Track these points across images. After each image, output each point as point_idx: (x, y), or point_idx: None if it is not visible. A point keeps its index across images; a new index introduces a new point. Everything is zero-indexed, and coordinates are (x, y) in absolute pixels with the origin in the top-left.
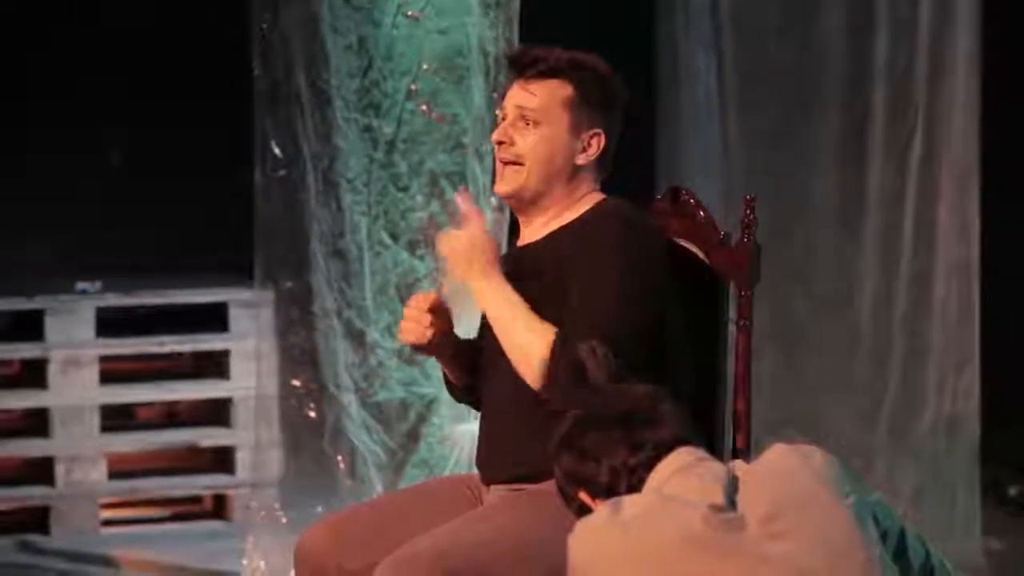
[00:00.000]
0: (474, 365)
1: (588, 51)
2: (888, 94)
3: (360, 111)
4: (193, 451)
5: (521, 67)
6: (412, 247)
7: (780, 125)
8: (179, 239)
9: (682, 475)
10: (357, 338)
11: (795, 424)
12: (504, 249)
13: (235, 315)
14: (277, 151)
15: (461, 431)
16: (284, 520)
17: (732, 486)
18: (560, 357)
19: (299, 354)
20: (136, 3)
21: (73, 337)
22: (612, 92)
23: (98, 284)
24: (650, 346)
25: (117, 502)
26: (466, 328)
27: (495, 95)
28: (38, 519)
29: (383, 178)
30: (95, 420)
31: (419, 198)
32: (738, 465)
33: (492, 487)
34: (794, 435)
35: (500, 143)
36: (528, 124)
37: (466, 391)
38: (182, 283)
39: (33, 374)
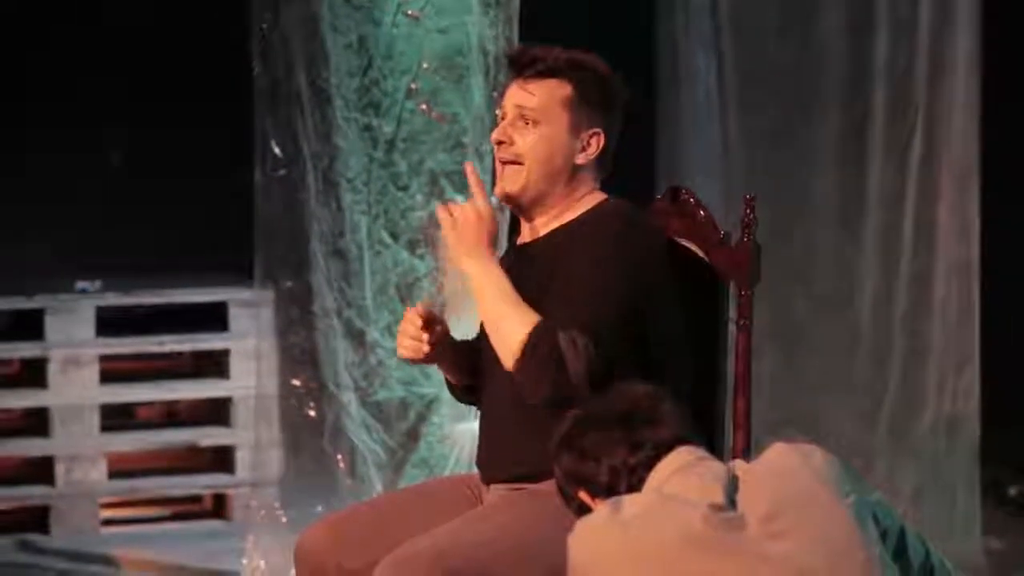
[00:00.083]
0: (474, 366)
1: (588, 51)
2: (888, 94)
3: (360, 110)
4: (193, 450)
5: (520, 66)
6: (412, 246)
7: (780, 125)
8: (179, 239)
9: (682, 474)
10: (357, 337)
11: (795, 424)
12: (504, 246)
13: (235, 314)
14: (277, 150)
15: (461, 430)
16: (284, 519)
17: (732, 485)
18: (539, 343)
19: (299, 353)
20: (136, 3)
21: (73, 336)
22: (612, 92)
23: (98, 283)
24: (632, 341)
25: (117, 501)
26: (466, 329)
27: (495, 94)
28: (38, 518)
29: (383, 177)
30: (95, 419)
31: (419, 197)
32: (738, 464)
33: (492, 486)
34: (794, 435)
35: (499, 143)
36: (527, 123)
37: (466, 392)
38: (182, 283)
39: (33, 373)
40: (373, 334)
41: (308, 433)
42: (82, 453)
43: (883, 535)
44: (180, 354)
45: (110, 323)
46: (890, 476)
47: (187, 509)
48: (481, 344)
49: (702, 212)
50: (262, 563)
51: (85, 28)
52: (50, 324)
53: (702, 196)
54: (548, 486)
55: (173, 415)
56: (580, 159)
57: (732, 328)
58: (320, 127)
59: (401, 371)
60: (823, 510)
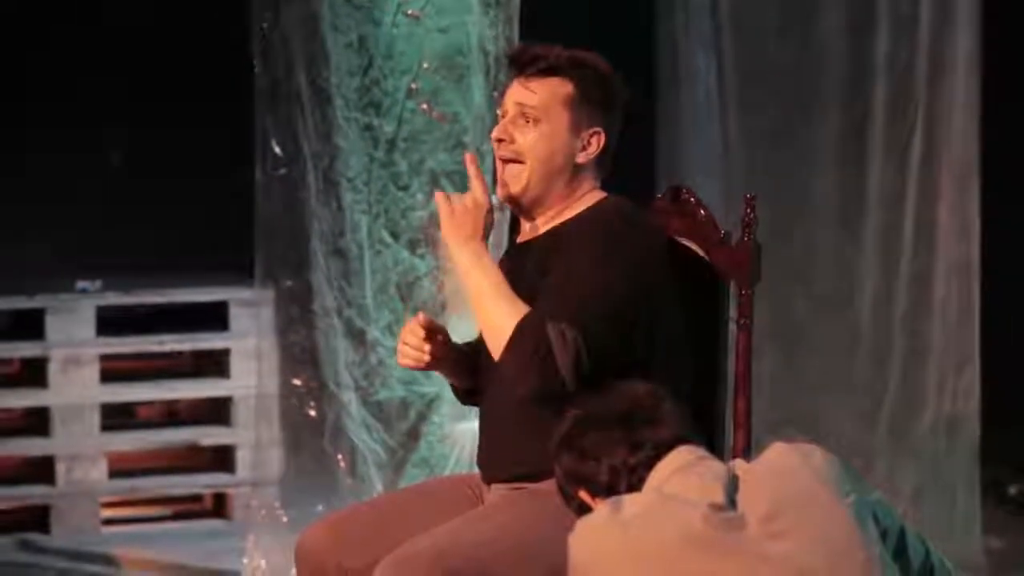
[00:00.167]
0: (476, 369)
1: (589, 50)
2: (888, 93)
3: (360, 110)
4: (193, 450)
5: (521, 65)
6: (412, 246)
7: (780, 125)
8: (179, 239)
9: (682, 474)
10: (357, 337)
11: (795, 424)
12: (504, 245)
13: (235, 314)
14: (277, 150)
15: (462, 430)
16: (284, 519)
17: (732, 485)
18: (526, 334)
19: (299, 353)
20: (136, 3)
21: (73, 336)
22: (612, 91)
23: (98, 283)
24: (625, 337)
25: (117, 501)
26: (466, 330)
27: (495, 94)
28: (38, 518)
29: (383, 177)
30: (95, 419)
31: (419, 197)
32: (738, 464)
33: (493, 486)
34: (794, 434)
35: (500, 140)
36: (528, 122)
37: (469, 394)
38: (182, 282)
39: (33, 373)
40: (373, 333)
41: (308, 432)
42: (82, 452)
43: (883, 535)
44: (180, 353)
45: (110, 322)
46: (890, 476)
47: (187, 508)
48: (481, 345)
49: (702, 211)
50: (263, 563)
51: (85, 28)
52: (50, 323)
53: (702, 196)
54: (548, 486)
55: (174, 414)
56: (580, 158)
57: (732, 327)
58: (320, 126)
59: (401, 370)
60: (823, 510)
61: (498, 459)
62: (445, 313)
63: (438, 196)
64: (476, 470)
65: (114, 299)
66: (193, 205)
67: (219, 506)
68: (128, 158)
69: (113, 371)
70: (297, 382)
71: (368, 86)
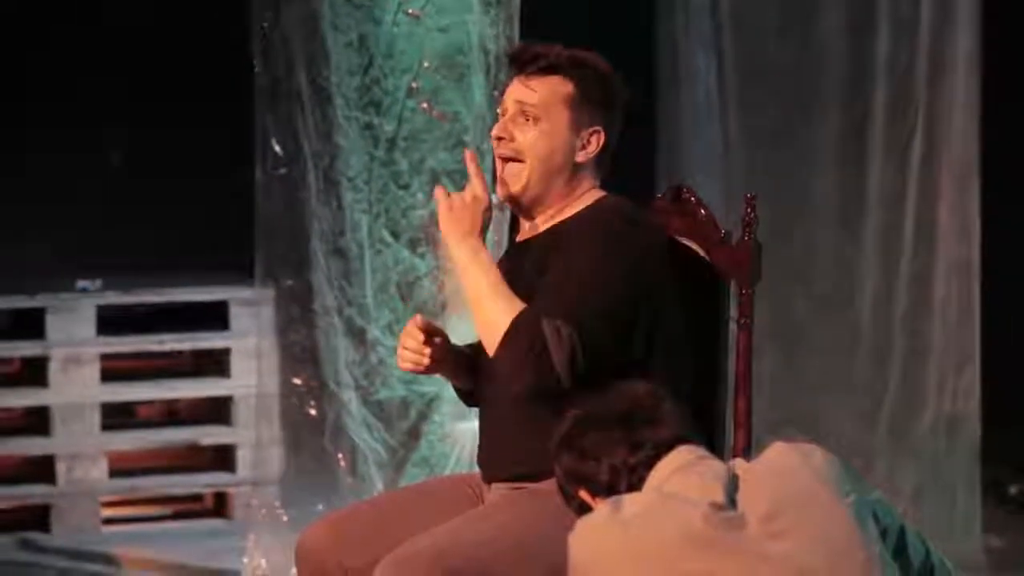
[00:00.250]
0: (476, 369)
1: (589, 49)
2: (888, 93)
3: (361, 109)
4: (194, 449)
5: (521, 63)
6: (413, 245)
7: (780, 125)
8: (179, 238)
9: (682, 473)
10: (358, 336)
11: (795, 424)
12: (504, 245)
13: (236, 313)
14: (278, 149)
15: (462, 429)
16: (285, 518)
17: (732, 484)
18: (522, 330)
19: (300, 352)
20: (136, 3)
21: (74, 335)
22: (612, 90)
23: (99, 282)
24: (622, 336)
25: (118, 500)
26: (467, 331)
27: (496, 93)
28: (39, 517)
29: (384, 176)
30: (96, 418)
31: (420, 196)
32: (738, 463)
33: (493, 486)
34: (794, 434)
35: (499, 139)
36: (528, 120)
37: (469, 395)
38: (182, 281)
39: (34, 372)
40: (374, 332)
41: (309, 432)
42: (83, 452)
43: (883, 534)
44: (181, 353)
45: (111, 322)
46: (890, 476)
47: (188, 508)
48: (481, 345)
49: (703, 211)
50: (263, 562)
51: (85, 28)
52: (51, 323)
53: (702, 195)
54: (549, 485)
55: (174, 414)
56: (580, 157)
57: (733, 327)
58: (321, 126)
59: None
60: (823, 509)
61: (498, 458)
62: (445, 313)
63: (438, 191)
64: (476, 469)
65: (114, 298)
66: (193, 205)
67: (219, 505)
68: (128, 158)
69: (113, 370)
70: (297, 381)
71: (368, 85)
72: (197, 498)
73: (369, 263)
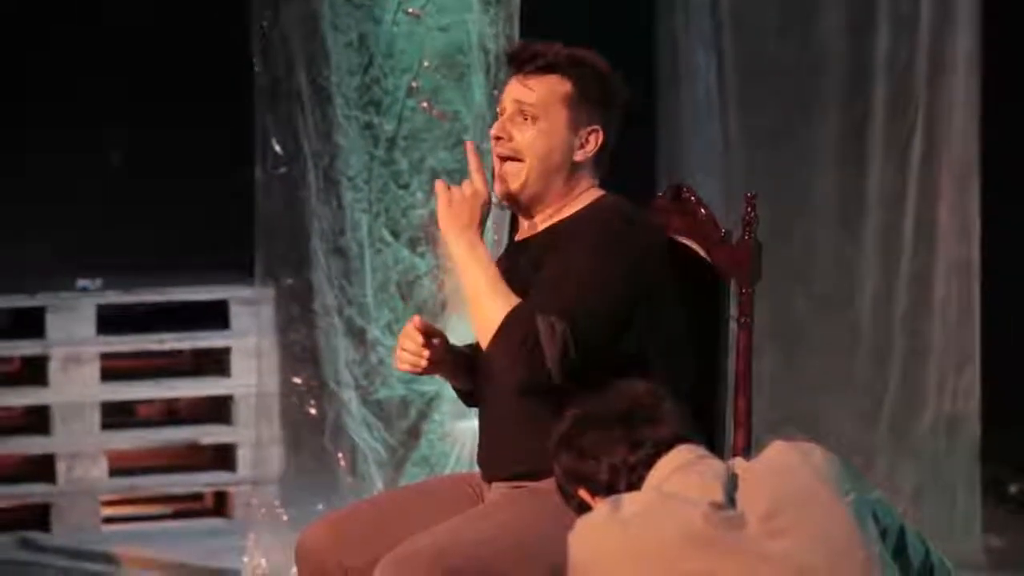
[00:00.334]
0: (475, 368)
1: (588, 48)
2: (888, 93)
3: (361, 108)
4: (194, 448)
5: (520, 62)
6: (413, 244)
7: (780, 124)
8: (179, 238)
9: (682, 473)
10: (358, 335)
11: (795, 423)
12: (504, 243)
13: (236, 312)
14: (278, 148)
15: (462, 428)
16: (285, 517)
17: (732, 484)
18: (515, 324)
19: (300, 351)
20: (136, 3)
21: (74, 334)
22: (611, 89)
23: (99, 282)
24: (619, 334)
25: (118, 499)
26: (466, 330)
27: (496, 92)
28: (39, 516)
29: (384, 175)
30: (96, 417)
31: (420, 195)
32: (738, 463)
33: (493, 485)
34: (794, 433)
35: (498, 138)
36: (526, 119)
37: (469, 395)
38: (182, 280)
39: (34, 371)
40: (374, 332)
41: (309, 431)
42: (83, 451)
43: (883, 533)
44: (181, 352)
45: (111, 321)
46: (890, 475)
47: (188, 507)
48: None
49: (703, 210)
50: (263, 561)
51: (85, 28)
52: (51, 322)
53: (702, 194)
54: (549, 484)
55: (174, 413)
56: (579, 156)
57: (733, 326)
58: (321, 125)
59: None
60: (823, 508)
61: (498, 458)
62: (445, 312)
63: (438, 184)
64: (476, 468)
65: (114, 298)
66: (193, 205)
67: (219, 505)
68: (128, 158)
69: (113, 369)
70: (297, 380)
71: (368, 84)
72: (197, 497)
73: (369, 262)
